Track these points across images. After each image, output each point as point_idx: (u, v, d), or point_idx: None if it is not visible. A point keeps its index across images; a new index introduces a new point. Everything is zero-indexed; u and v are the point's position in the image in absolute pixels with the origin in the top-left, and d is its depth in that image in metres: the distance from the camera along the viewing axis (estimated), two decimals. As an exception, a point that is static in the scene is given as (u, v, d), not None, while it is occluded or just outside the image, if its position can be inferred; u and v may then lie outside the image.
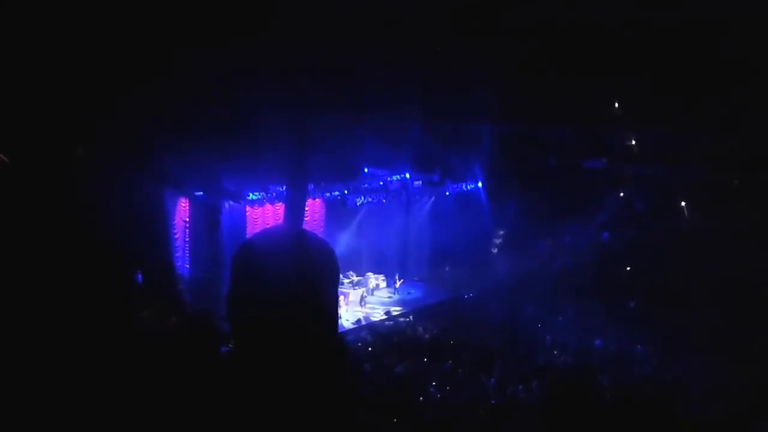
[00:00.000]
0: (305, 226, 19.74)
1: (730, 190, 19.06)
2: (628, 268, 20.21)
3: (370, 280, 20.69)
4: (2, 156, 12.87)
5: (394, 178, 21.73)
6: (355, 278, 20.51)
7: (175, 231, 17.90)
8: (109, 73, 13.28)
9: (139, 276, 15.71)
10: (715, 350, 13.47)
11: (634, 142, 22.19)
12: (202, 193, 17.32)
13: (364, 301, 19.64)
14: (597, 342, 15.34)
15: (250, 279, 2.07)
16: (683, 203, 21.75)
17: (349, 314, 18.78)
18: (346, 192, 20.42)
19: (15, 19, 12.10)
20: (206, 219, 17.38)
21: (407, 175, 21.85)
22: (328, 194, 20.31)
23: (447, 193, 22.81)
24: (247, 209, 18.70)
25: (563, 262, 21.35)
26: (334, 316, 2.17)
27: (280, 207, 19.06)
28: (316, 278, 2.10)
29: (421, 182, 22.39)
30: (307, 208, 19.54)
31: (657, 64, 18.36)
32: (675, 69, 18.28)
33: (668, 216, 21.38)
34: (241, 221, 18.60)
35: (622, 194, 22.86)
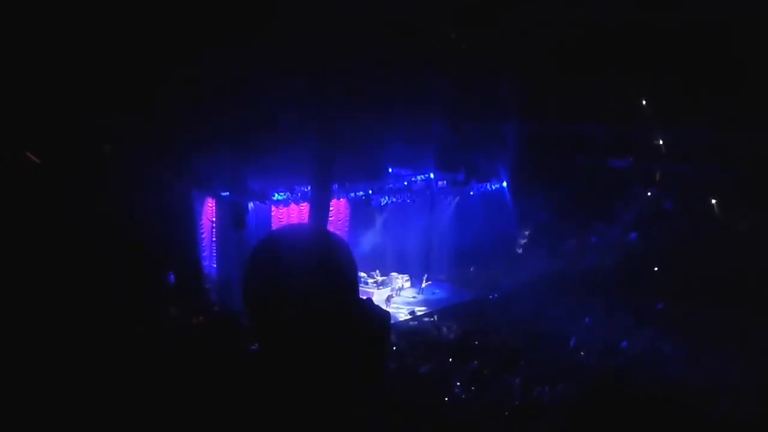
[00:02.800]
0: (330, 226, 19.88)
1: (760, 188, 18.73)
2: (656, 268, 19.95)
3: (396, 280, 20.69)
4: (32, 156, 13.10)
5: (419, 178, 21.71)
6: (380, 278, 20.53)
7: (202, 231, 18.09)
8: (137, 74, 13.45)
9: (171, 276, 15.90)
10: (745, 351, 13.26)
11: (661, 141, 21.91)
12: (228, 193, 17.46)
13: (390, 301, 19.66)
14: (623, 343, 15.18)
15: (269, 272, 2.07)
16: (712, 202, 21.43)
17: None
18: (370, 192, 20.43)
19: (43, 19, 12.31)
20: (232, 218, 17.52)
21: (432, 175, 21.81)
22: (352, 194, 20.35)
23: (471, 193, 22.72)
24: (272, 209, 18.85)
25: (589, 262, 21.16)
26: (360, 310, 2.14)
27: (305, 207, 19.17)
28: (336, 268, 2.10)
29: (445, 182, 22.34)
30: (331, 208, 19.61)
31: (684, 61, 18.14)
32: (703, 66, 18.04)
33: (696, 215, 21.08)
34: (266, 221, 18.76)
35: (649, 193, 22.59)
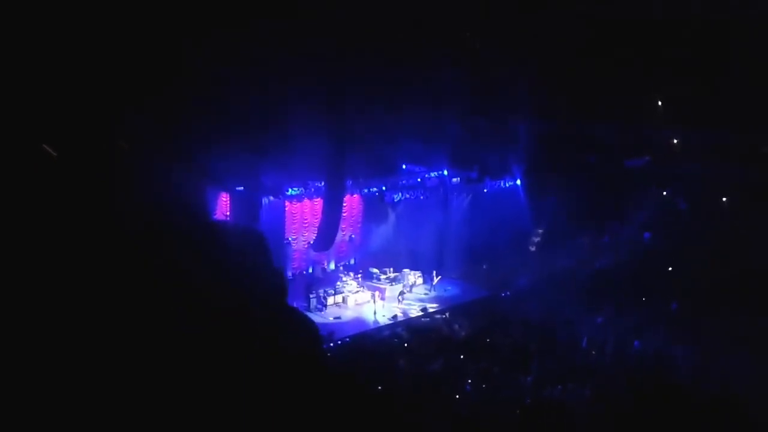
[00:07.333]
0: (344, 222, 19.94)
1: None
2: (669, 269, 19.83)
3: (408, 276, 20.71)
4: (49, 150, 13.20)
5: (432, 174, 21.69)
6: (392, 274, 20.56)
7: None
8: (153, 72, 13.53)
9: None
10: (758, 352, 13.16)
11: (676, 141, 21.77)
12: (242, 188, 17.54)
13: (402, 297, 19.71)
14: (635, 343, 15.13)
15: None
16: (726, 203, 21.27)
17: (385, 310, 18.86)
18: (384, 188, 20.45)
19: (59, 18, 12.40)
20: (246, 213, 17.60)
21: (445, 172, 21.78)
22: (366, 190, 20.39)
23: (485, 191, 22.67)
24: (286, 204, 18.94)
25: (602, 261, 21.07)
26: None
27: (318, 202, 19.24)
28: None
29: (459, 179, 22.29)
30: (344, 204, 19.67)
31: (698, 62, 18.03)
32: (717, 67, 17.93)
33: (711, 216, 20.93)
34: (280, 216, 18.86)
35: (664, 193, 22.46)
